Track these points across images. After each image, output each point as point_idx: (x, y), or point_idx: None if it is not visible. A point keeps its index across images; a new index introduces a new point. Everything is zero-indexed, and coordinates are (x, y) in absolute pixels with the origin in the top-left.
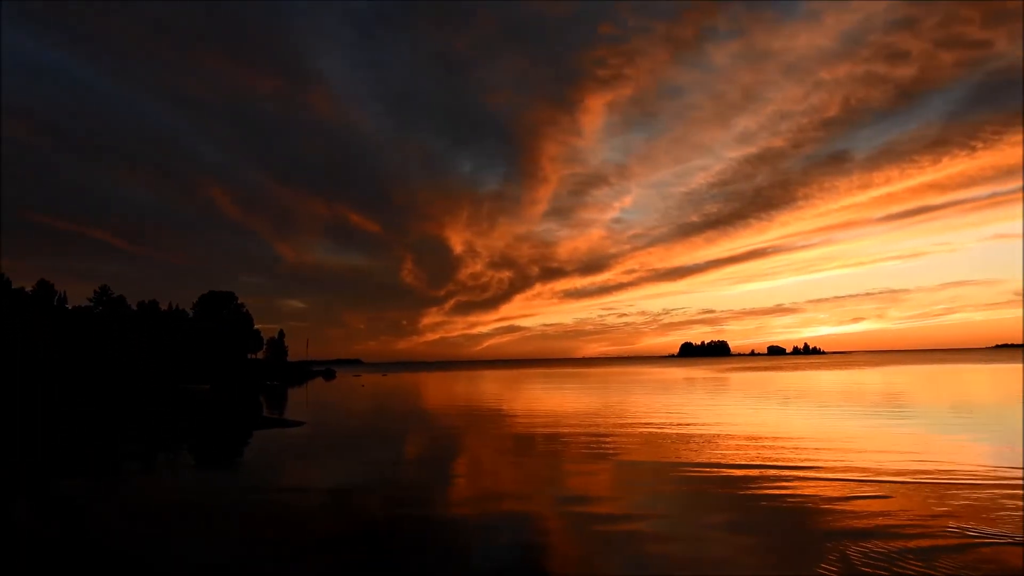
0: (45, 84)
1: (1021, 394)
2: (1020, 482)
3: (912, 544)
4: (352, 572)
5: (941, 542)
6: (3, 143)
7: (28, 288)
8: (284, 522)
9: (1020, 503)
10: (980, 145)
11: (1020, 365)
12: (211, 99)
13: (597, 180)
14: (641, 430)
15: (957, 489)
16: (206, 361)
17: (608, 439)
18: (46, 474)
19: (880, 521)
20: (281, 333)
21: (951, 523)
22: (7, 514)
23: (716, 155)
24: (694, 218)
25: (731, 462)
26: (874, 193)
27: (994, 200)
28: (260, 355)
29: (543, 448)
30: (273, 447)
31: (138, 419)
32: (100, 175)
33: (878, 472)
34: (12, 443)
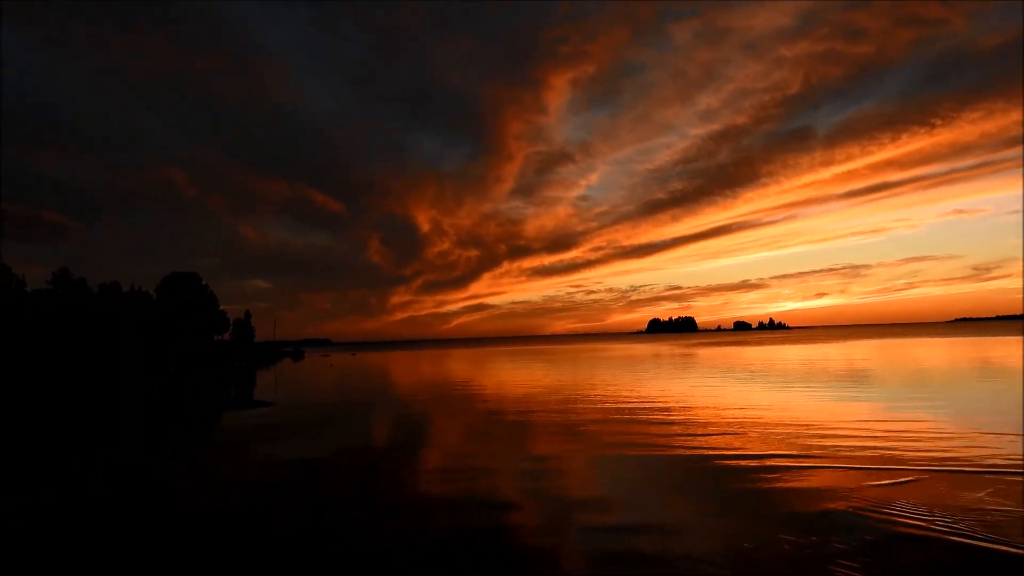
0: None
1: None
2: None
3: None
4: (312, 540)
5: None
6: None
7: None
8: (250, 499)
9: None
10: (938, 122)
11: (978, 338)
12: (157, 77)
13: (562, 158)
14: (605, 405)
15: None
16: (171, 343)
17: (572, 413)
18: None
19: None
20: (248, 314)
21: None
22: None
23: (680, 132)
24: (660, 195)
25: (695, 434)
26: (836, 170)
27: (953, 176)
28: (226, 336)
29: (509, 423)
30: (241, 426)
31: (106, 402)
32: (52, 158)
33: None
34: None
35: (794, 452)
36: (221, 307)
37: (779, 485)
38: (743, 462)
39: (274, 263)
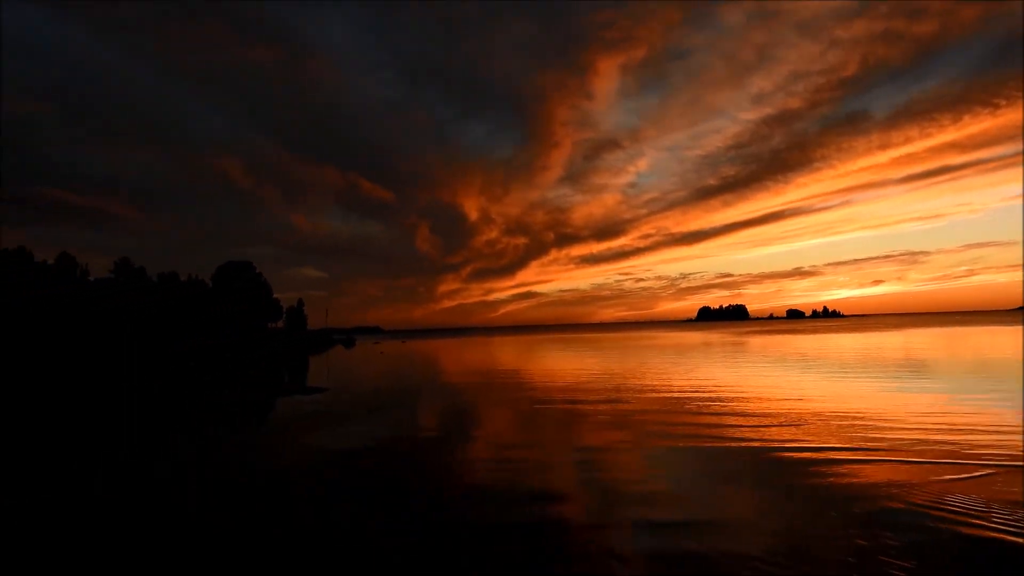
0: (58, 62)
1: None
2: None
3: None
4: (372, 525)
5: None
6: (16, 121)
7: (50, 261)
8: (309, 480)
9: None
10: (1003, 103)
11: None
12: (216, 71)
13: (610, 144)
14: (655, 395)
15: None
16: (227, 331)
17: (621, 402)
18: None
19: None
20: (300, 302)
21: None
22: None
23: (731, 117)
24: (710, 181)
25: (750, 425)
26: (893, 153)
27: (1017, 159)
28: (279, 324)
29: (557, 411)
30: (295, 412)
31: (164, 389)
32: (114, 150)
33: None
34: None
35: (852, 445)
36: (275, 295)
37: (836, 479)
38: (800, 454)
39: (326, 251)
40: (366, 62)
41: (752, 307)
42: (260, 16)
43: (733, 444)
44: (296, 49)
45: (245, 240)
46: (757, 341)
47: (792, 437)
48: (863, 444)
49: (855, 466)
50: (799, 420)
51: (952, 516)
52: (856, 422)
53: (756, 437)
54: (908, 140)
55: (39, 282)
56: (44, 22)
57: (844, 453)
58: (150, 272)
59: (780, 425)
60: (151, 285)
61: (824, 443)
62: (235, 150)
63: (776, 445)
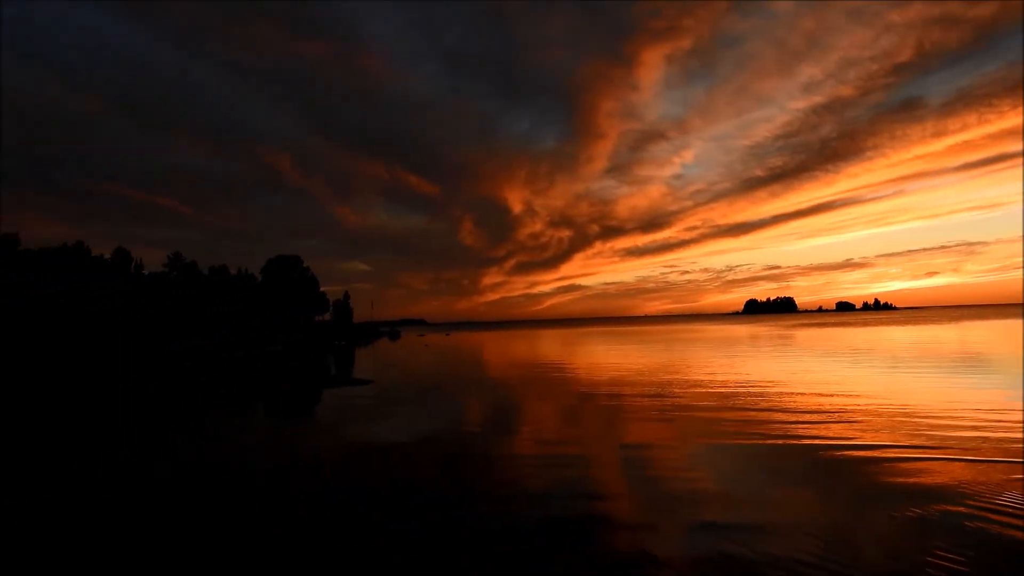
0: (112, 58)
1: None
2: None
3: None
4: (420, 519)
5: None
6: (78, 118)
7: (106, 255)
8: (358, 470)
9: None
10: None
11: None
12: (265, 66)
13: (655, 135)
14: (702, 389)
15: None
16: (276, 323)
17: (668, 397)
18: (142, 431)
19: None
20: (346, 295)
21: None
22: (114, 460)
23: (780, 106)
24: (758, 172)
25: (802, 422)
26: (949, 141)
27: None
28: (327, 317)
29: (602, 406)
30: (342, 404)
31: (216, 379)
32: (166, 145)
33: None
34: (108, 402)
35: (910, 443)
36: (322, 288)
37: (892, 479)
38: (853, 453)
39: (372, 245)
40: (413, 55)
41: (800, 300)
42: (313, 11)
43: (784, 442)
44: (347, 44)
45: (294, 234)
46: (806, 334)
47: (845, 434)
48: (919, 442)
49: (910, 464)
50: (852, 416)
51: (1010, 519)
52: (910, 419)
53: (807, 434)
54: (965, 127)
55: (37, 280)
56: (104, 21)
57: (899, 451)
58: (201, 266)
59: (832, 422)
60: (203, 279)
61: (879, 441)
62: (285, 145)
63: (829, 443)
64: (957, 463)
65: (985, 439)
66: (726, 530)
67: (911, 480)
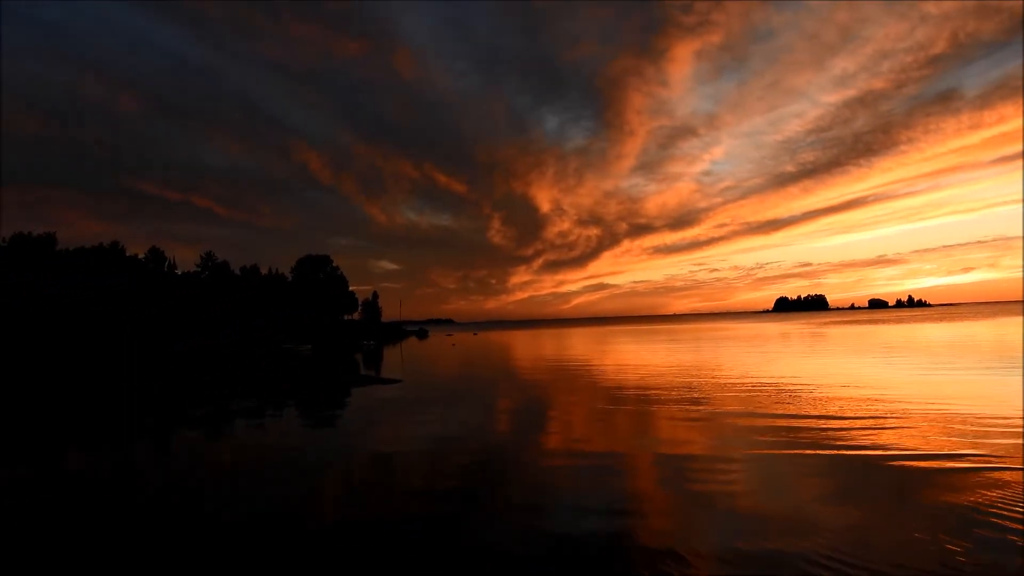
0: (149, 58)
1: None
2: None
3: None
4: (445, 514)
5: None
6: (118, 118)
7: (140, 255)
8: (383, 469)
9: None
10: None
11: None
12: (300, 65)
13: (685, 132)
14: (740, 392)
15: None
16: (306, 322)
17: (697, 396)
18: (169, 425)
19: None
20: (375, 295)
21: None
22: (133, 456)
23: (812, 100)
24: (789, 167)
25: (827, 416)
26: (986, 133)
27: None
28: (356, 316)
29: (632, 403)
30: (371, 403)
31: (247, 377)
32: (200, 144)
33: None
34: (137, 398)
35: (981, 451)
36: (351, 287)
37: (970, 497)
38: (918, 463)
39: (401, 243)
40: (444, 53)
41: (832, 297)
42: (348, 11)
43: (839, 452)
44: (380, 43)
45: (324, 232)
46: (841, 332)
47: (908, 442)
48: (993, 451)
49: (986, 476)
50: (910, 422)
51: None
52: (979, 425)
53: (857, 443)
54: (1002, 119)
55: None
56: (145, 23)
57: (971, 461)
58: (233, 265)
59: (890, 428)
60: (234, 278)
61: (947, 449)
62: (317, 143)
63: (883, 452)
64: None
65: None
66: (785, 558)
67: (986, 494)
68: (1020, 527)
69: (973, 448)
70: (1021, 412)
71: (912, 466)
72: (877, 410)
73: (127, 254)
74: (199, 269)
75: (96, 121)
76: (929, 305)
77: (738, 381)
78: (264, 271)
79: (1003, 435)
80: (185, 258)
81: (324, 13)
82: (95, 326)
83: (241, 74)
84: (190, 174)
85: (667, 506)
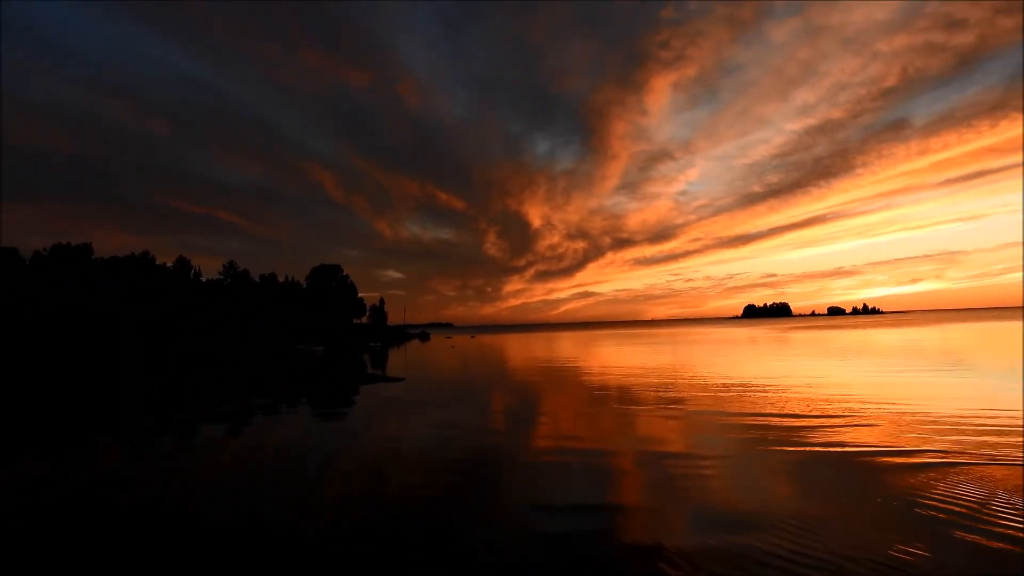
0: (178, 86)
1: None
2: None
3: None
4: (449, 501)
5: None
6: (148, 140)
7: (168, 264)
8: (390, 459)
9: None
10: None
11: None
12: (315, 93)
13: (663, 155)
14: (718, 392)
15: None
16: (319, 326)
17: (676, 392)
18: (193, 421)
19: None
20: (381, 300)
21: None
22: (155, 448)
23: (777, 128)
24: (756, 188)
25: (790, 413)
26: (933, 158)
27: None
28: (364, 320)
29: (617, 397)
30: (378, 399)
31: (265, 376)
32: (224, 164)
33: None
34: (161, 393)
35: (947, 448)
36: (360, 294)
37: (940, 490)
38: (890, 459)
39: (405, 255)
40: (445, 82)
41: (795, 305)
42: (357, 42)
43: (813, 450)
44: (386, 71)
45: (336, 244)
46: (804, 336)
47: (879, 439)
48: (959, 447)
49: (959, 471)
50: (878, 420)
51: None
52: (945, 422)
53: (838, 442)
54: (947, 146)
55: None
56: (173, 53)
57: (940, 456)
58: (253, 274)
59: (860, 425)
60: (254, 285)
61: (916, 446)
62: (330, 164)
63: (843, 449)
64: (1005, 468)
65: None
66: (775, 560)
67: (956, 491)
68: (967, 521)
69: (927, 444)
70: (969, 410)
71: (871, 461)
72: (839, 409)
73: (156, 263)
74: (222, 277)
75: (127, 142)
76: (882, 312)
77: (712, 382)
78: (281, 279)
79: (955, 432)
80: (209, 268)
81: (336, 45)
82: (95, 326)
83: (262, 101)
84: (215, 191)
85: (642, 499)
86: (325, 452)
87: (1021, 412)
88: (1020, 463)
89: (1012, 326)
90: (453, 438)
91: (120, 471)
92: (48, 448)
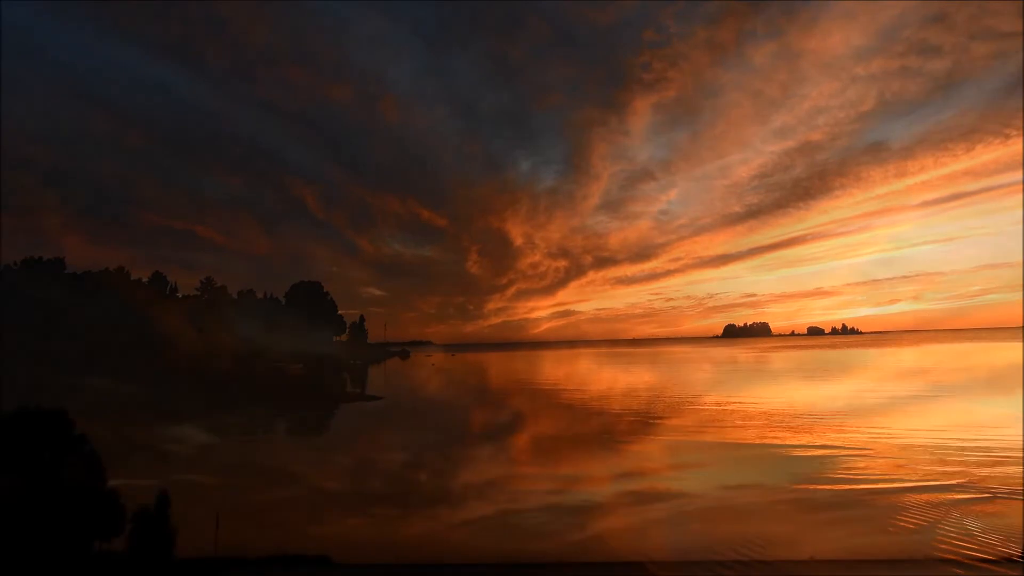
0: (158, 99)
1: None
2: None
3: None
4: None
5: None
6: (127, 152)
7: (144, 279)
8: (365, 477)
9: None
10: (1013, 132)
11: None
12: (296, 108)
13: (644, 175)
14: (720, 411)
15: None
16: (297, 344)
17: (648, 411)
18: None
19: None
20: (362, 318)
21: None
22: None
23: (756, 149)
24: (736, 208)
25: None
26: (910, 181)
27: None
28: (344, 337)
29: (593, 410)
30: (355, 418)
31: (242, 394)
32: (204, 179)
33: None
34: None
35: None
36: (340, 311)
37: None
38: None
39: (386, 272)
40: (426, 100)
41: (775, 324)
42: (339, 59)
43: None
44: (368, 88)
45: (317, 261)
46: (781, 356)
47: (885, 471)
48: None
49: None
50: (875, 450)
51: None
52: (958, 452)
53: (847, 476)
54: (923, 168)
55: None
56: (153, 66)
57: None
58: (231, 290)
59: (851, 456)
60: (231, 301)
61: (941, 480)
62: (311, 180)
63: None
64: None
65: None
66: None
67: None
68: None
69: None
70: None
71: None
72: (848, 438)
73: (132, 278)
74: (199, 292)
75: (106, 154)
76: (861, 332)
77: (711, 402)
78: (260, 295)
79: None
80: (186, 283)
81: (317, 61)
82: None
83: (243, 116)
84: (193, 206)
85: (622, 506)
86: (291, 471)
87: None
88: None
89: (992, 346)
90: (420, 461)
91: None
92: None
